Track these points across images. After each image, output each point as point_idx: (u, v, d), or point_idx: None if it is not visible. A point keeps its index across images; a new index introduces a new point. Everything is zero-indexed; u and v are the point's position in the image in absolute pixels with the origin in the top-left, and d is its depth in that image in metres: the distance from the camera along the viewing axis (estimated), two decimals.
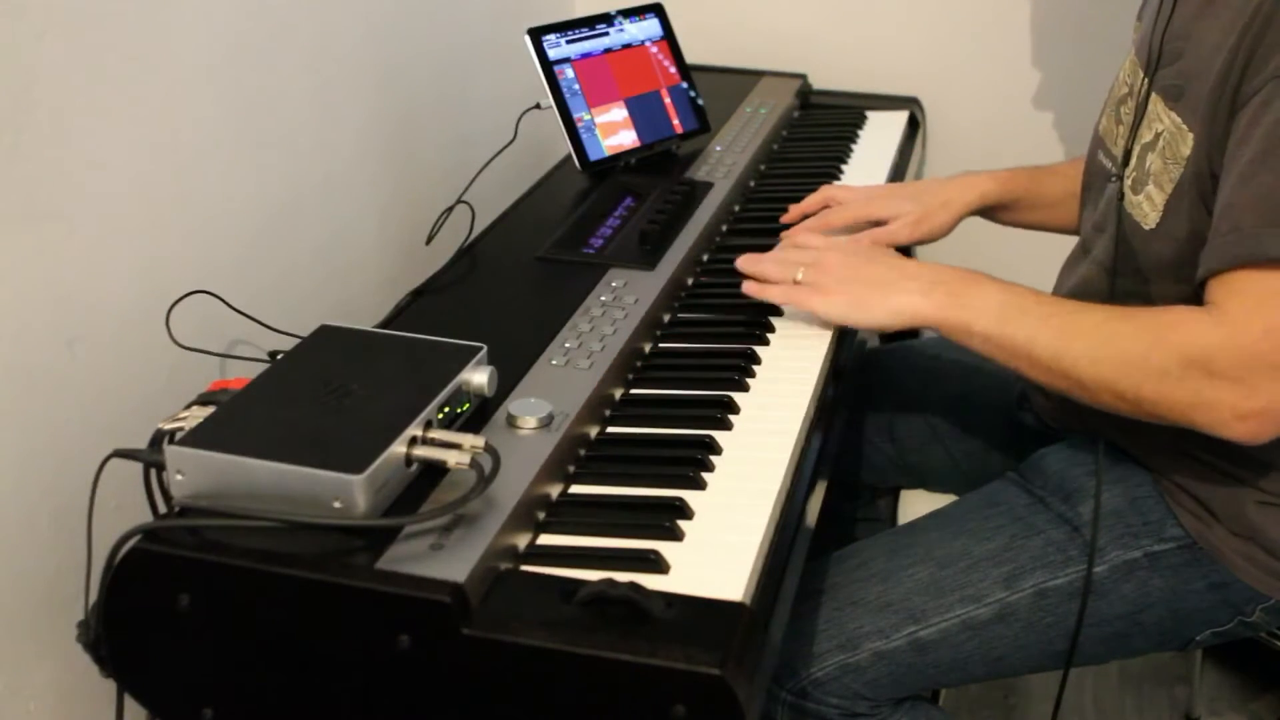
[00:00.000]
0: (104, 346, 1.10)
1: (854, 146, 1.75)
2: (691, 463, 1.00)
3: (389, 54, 1.56)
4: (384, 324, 1.17)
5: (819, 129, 1.82)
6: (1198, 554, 1.16)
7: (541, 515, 0.94)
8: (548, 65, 1.50)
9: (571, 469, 1.00)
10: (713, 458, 1.02)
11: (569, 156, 1.52)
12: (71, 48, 1.03)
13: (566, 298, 1.20)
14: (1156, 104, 1.14)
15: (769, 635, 0.86)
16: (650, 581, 0.84)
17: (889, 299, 1.14)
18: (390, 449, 0.86)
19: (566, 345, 1.11)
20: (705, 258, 1.38)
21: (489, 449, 0.89)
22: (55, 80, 1.02)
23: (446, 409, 0.95)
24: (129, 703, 0.91)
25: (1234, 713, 1.84)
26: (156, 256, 1.16)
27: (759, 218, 1.48)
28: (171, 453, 0.87)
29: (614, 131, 1.54)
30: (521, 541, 0.91)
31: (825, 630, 1.17)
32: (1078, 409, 1.13)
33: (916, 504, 1.47)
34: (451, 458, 0.89)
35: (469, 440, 0.90)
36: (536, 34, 1.50)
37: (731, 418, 1.07)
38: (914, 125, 1.89)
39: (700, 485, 0.98)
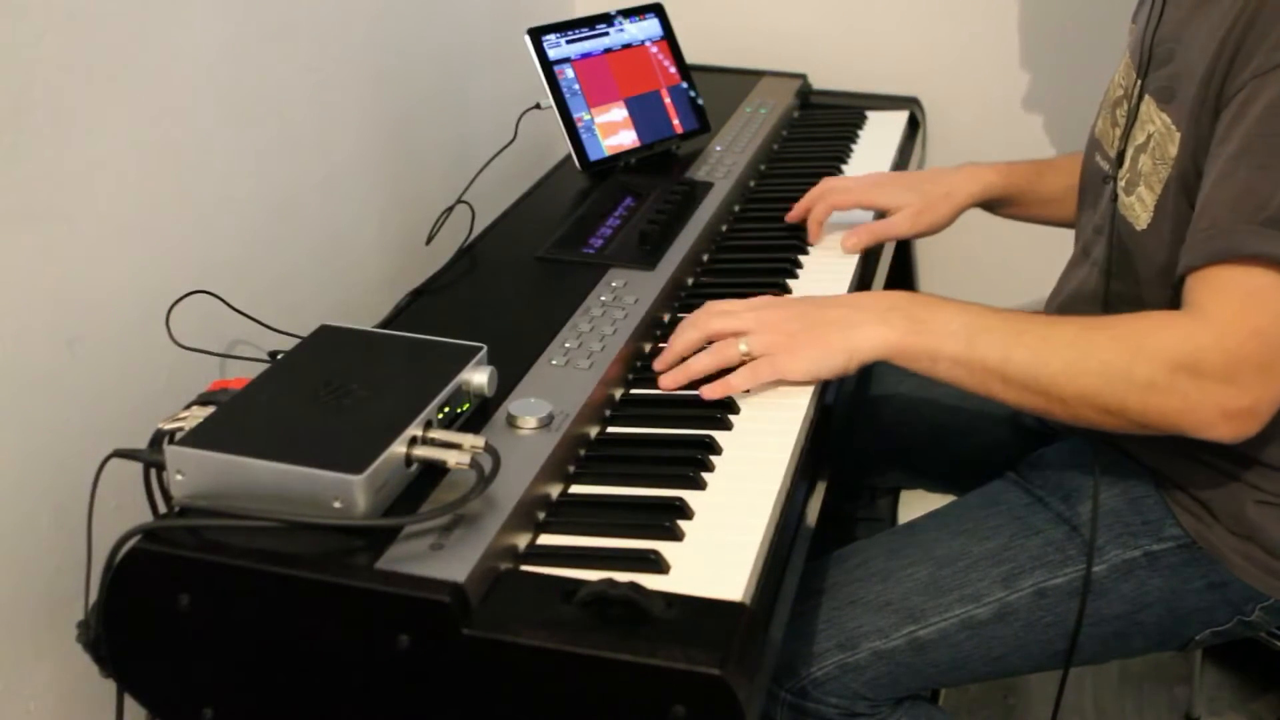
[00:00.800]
0: (104, 346, 1.10)
1: (854, 146, 1.76)
2: (691, 463, 1.00)
3: (389, 54, 1.56)
4: (384, 324, 1.17)
5: (819, 129, 1.82)
6: (1197, 554, 1.16)
7: (541, 515, 0.94)
8: (548, 65, 1.50)
9: (571, 469, 1.00)
10: (713, 458, 1.02)
11: (569, 156, 1.52)
12: (71, 48, 1.03)
13: (566, 298, 1.20)
14: (1149, 105, 1.14)
15: (769, 635, 0.87)
16: (650, 581, 0.84)
17: (848, 336, 1.06)
18: (390, 449, 0.86)
19: (566, 345, 1.11)
20: (705, 258, 1.38)
21: (489, 449, 0.89)
22: (55, 80, 1.02)
23: (446, 409, 0.95)
24: (129, 703, 0.91)
25: (1234, 713, 1.84)
26: (156, 256, 1.16)
27: (759, 218, 1.48)
28: (171, 453, 0.87)
29: (614, 131, 1.54)
30: (521, 541, 0.91)
31: (825, 630, 1.17)
32: None
33: (916, 504, 1.47)
34: (451, 458, 0.89)
35: (469, 440, 0.90)
36: (536, 34, 1.50)
37: (731, 418, 1.07)
38: (914, 125, 1.89)
39: (700, 485, 0.98)
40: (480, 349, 1.00)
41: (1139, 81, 1.16)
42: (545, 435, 0.98)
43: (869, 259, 1.40)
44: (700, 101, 1.64)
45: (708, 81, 1.72)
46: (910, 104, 1.93)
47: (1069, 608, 1.15)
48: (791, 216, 1.43)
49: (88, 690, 1.08)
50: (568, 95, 1.51)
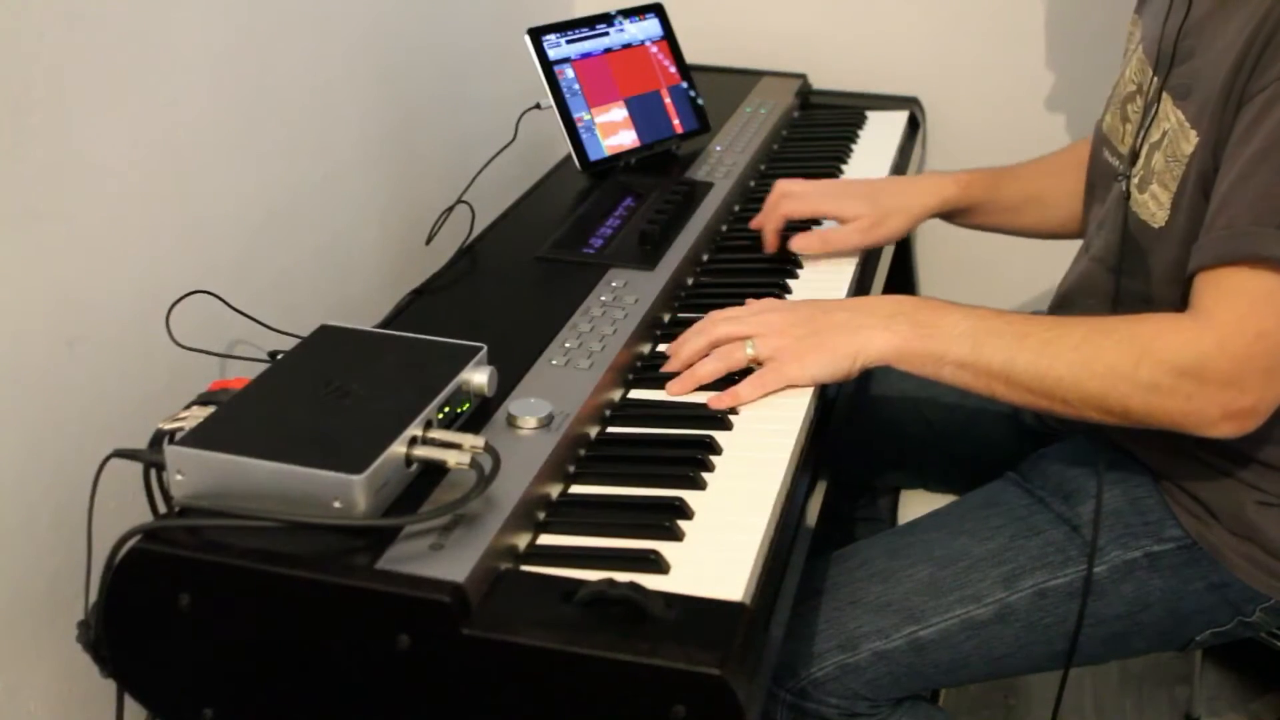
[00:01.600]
0: (104, 346, 1.10)
1: (854, 146, 1.75)
2: (691, 463, 1.00)
3: (389, 54, 1.56)
4: (384, 324, 1.17)
5: (819, 129, 1.82)
6: (1197, 554, 1.16)
7: (541, 515, 0.94)
8: (548, 65, 1.50)
9: (571, 469, 1.00)
10: (713, 458, 1.02)
11: (569, 156, 1.52)
12: (71, 47, 1.03)
13: (566, 298, 1.20)
14: (1166, 103, 1.14)
15: (769, 635, 0.87)
16: (650, 581, 0.84)
17: (853, 340, 1.07)
18: (390, 449, 0.86)
19: (566, 345, 1.11)
20: (705, 258, 1.38)
21: (489, 449, 0.89)
22: (55, 80, 1.02)
23: (446, 409, 0.95)
24: (129, 703, 0.91)
25: (1234, 713, 1.84)
26: (156, 256, 1.16)
27: None
28: (171, 453, 0.87)
29: (614, 131, 1.54)
30: (521, 541, 0.91)
31: (825, 630, 1.17)
32: None
33: (916, 504, 1.47)
34: (451, 458, 0.89)
35: (469, 440, 0.90)
36: (536, 34, 1.50)
37: (731, 418, 1.07)
38: (914, 125, 1.89)
39: (700, 485, 0.98)
40: (480, 349, 1.00)
41: (1156, 78, 1.16)
42: (545, 435, 0.98)
43: (869, 260, 1.40)
44: (700, 101, 1.64)
45: (708, 81, 1.72)
46: (910, 104, 1.93)
47: (1069, 608, 1.15)
48: (756, 223, 1.40)
49: (88, 690, 1.08)
50: (568, 95, 1.51)
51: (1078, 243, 1.36)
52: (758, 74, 1.94)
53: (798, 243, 1.35)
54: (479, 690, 0.82)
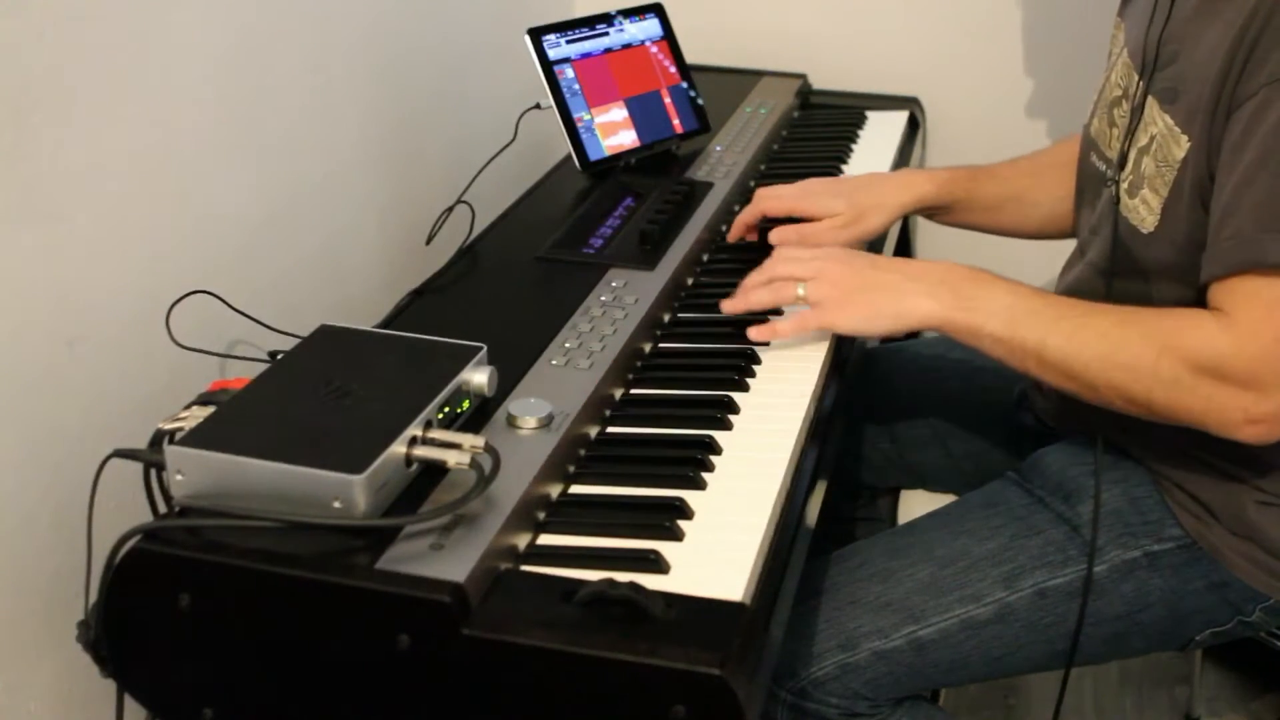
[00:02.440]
0: (104, 346, 1.10)
1: (854, 146, 1.75)
2: (691, 463, 1.00)
3: (389, 54, 1.56)
4: (384, 324, 1.17)
5: (819, 129, 1.82)
6: (1197, 554, 1.16)
7: (541, 515, 0.94)
8: (548, 65, 1.50)
9: (571, 469, 1.00)
10: (713, 458, 1.02)
11: (569, 156, 1.52)
12: (71, 47, 1.03)
13: (566, 298, 1.20)
14: (1152, 107, 1.14)
15: (769, 635, 0.87)
16: (650, 581, 0.84)
17: (899, 303, 1.12)
18: (390, 449, 0.86)
19: (566, 345, 1.11)
20: (705, 258, 1.38)
21: (489, 449, 0.89)
22: (55, 80, 1.02)
23: (446, 409, 0.95)
24: (129, 703, 0.91)
25: (1234, 713, 1.84)
26: (156, 256, 1.16)
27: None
28: (171, 453, 0.87)
29: (614, 131, 1.54)
30: (521, 541, 0.91)
31: (825, 630, 1.17)
32: (1077, 409, 1.13)
33: (916, 504, 1.47)
34: (451, 458, 0.89)
35: (469, 440, 0.90)
36: (536, 34, 1.50)
37: (731, 418, 1.07)
38: (914, 125, 1.89)
39: (700, 485, 0.98)
40: (480, 349, 1.00)
41: (1141, 82, 1.16)
42: (545, 435, 0.98)
43: None
44: (700, 101, 1.64)
45: (708, 81, 1.72)
46: (910, 104, 1.93)
47: (1069, 608, 1.15)
48: (732, 237, 1.40)
49: (88, 690, 1.08)
50: (568, 95, 1.51)
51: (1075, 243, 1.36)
52: (758, 74, 1.94)
53: (775, 237, 1.35)
54: (479, 690, 0.82)
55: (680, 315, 1.26)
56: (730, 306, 1.19)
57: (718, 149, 1.62)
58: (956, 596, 1.17)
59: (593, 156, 1.51)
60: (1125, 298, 1.17)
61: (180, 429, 0.90)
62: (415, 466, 0.90)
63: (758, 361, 1.17)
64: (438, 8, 1.67)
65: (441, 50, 1.70)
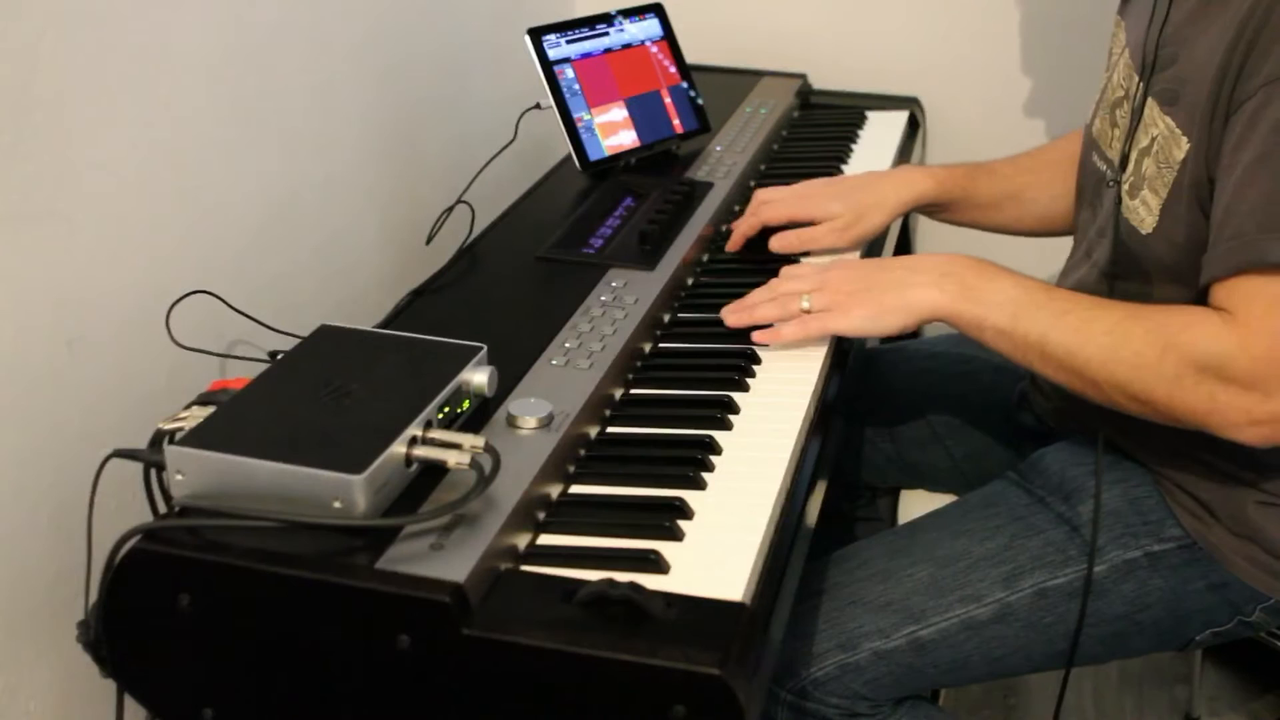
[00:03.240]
0: (104, 346, 1.10)
1: (854, 146, 1.75)
2: (691, 463, 1.00)
3: (389, 54, 1.56)
4: (384, 324, 1.17)
5: (819, 129, 1.82)
6: (1197, 554, 1.16)
7: (541, 515, 0.94)
8: (548, 65, 1.50)
9: (571, 469, 1.00)
10: (713, 458, 1.02)
11: (569, 156, 1.52)
12: (71, 47, 1.03)
13: (566, 298, 1.20)
14: (1152, 108, 1.14)
15: (769, 635, 0.87)
16: (650, 581, 0.84)
17: (904, 296, 1.12)
18: (390, 449, 0.86)
19: (566, 345, 1.11)
20: (705, 258, 1.38)
21: (489, 449, 0.89)
22: (55, 80, 1.02)
23: (446, 409, 0.95)
24: (129, 703, 0.91)
25: (1234, 713, 1.84)
26: (156, 256, 1.16)
27: None
28: (171, 453, 0.87)
29: (614, 131, 1.54)
30: (521, 541, 0.91)
31: (825, 630, 1.17)
32: (1077, 410, 1.13)
33: (916, 504, 1.47)
34: (451, 458, 0.89)
35: (469, 440, 0.90)
36: (536, 34, 1.50)
37: (731, 418, 1.07)
38: (914, 125, 1.89)
39: (700, 485, 0.98)
40: (480, 349, 1.00)
41: (1141, 84, 1.16)
42: (545, 435, 0.98)
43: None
44: (700, 101, 1.64)
45: (708, 81, 1.72)
46: (910, 104, 1.93)
47: (1069, 608, 1.15)
48: (731, 246, 1.39)
49: (88, 690, 1.08)
50: (568, 95, 1.51)
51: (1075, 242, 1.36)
52: (758, 74, 1.94)
53: (776, 243, 1.35)
54: (479, 690, 0.82)
55: (680, 315, 1.26)
56: (734, 320, 1.19)
57: (718, 149, 1.62)
58: (957, 596, 1.17)
59: (593, 156, 1.51)
60: (1127, 299, 1.17)
61: (180, 429, 0.90)
62: (415, 466, 0.90)
63: (758, 361, 1.17)
64: (438, 8, 1.67)
65: (442, 50, 1.70)
